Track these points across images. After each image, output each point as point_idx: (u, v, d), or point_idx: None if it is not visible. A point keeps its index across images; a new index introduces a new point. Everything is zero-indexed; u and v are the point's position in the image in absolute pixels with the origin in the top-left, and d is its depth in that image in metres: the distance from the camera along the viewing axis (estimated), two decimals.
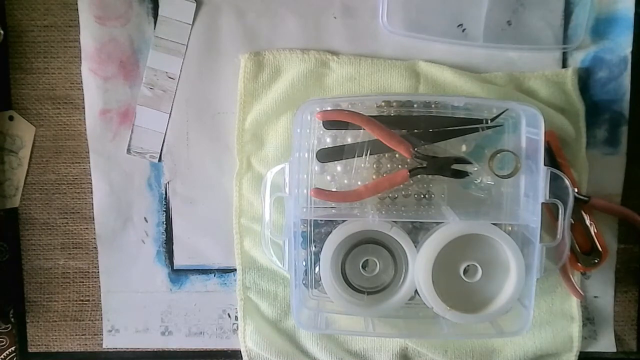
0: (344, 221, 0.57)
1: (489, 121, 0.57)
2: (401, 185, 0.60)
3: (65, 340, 0.66)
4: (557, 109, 0.61)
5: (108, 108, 0.63)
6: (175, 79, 0.62)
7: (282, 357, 0.63)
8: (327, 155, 0.58)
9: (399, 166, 0.59)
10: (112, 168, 0.63)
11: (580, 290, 0.61)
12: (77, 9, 0.61)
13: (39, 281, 0.65)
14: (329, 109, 0.57)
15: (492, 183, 0.59)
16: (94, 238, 0.64)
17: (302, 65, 0.61)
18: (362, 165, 0.60)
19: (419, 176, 0.59)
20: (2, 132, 0.63)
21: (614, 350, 0.65)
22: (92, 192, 0.64)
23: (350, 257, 0.58)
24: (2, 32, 0.61)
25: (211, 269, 0.65)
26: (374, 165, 0.59)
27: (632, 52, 0.61)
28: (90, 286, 0.65)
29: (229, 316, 0.65)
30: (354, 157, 0.58)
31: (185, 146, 0.63)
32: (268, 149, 0.62)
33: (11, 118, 0.63)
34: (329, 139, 0.59)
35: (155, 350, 0.66)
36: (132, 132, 0.63)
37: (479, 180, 0.59)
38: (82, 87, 0.62)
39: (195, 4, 0.61)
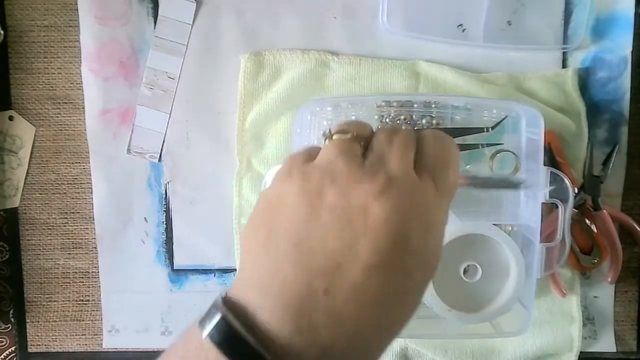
0: None
1: (490, 129, 0.57)
2: None
3: (65, 340, 0.66)
4: (557, 109, 0.61)
5: (108, 108, 0.63)
6: (175, 79, 0.62)
7: None
8: None
9: None
10: (112, 168, 0.63)
11: (562, 289, 0.61)
12: (77, 9, 0.61)
13: (39, 281, 0.65)
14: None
15: None
16: (94, 238, 0.64)
17: (302, 66, 0.61)
18: None
19: None
20: (2, 132, 0.63)
21: (614, 350, 0.65)
22: (92, 192, 0.64)
23: None
24: (2, 32, 0.61)
25: (211, 269, 0.65)
26: None
27: (632, 52, 0.61)
28: (90, 286, 0.65)
29: None
30: None
31: (185, 146, 0.63)
32: (268, 149, 0.62)
33: (11, 118, 0.63)
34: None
35: (155, 350, 0.66)
36: (132, 132, 0.63)
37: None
38: (82, 87, 0.62)
39: (195, 4, 0.61)
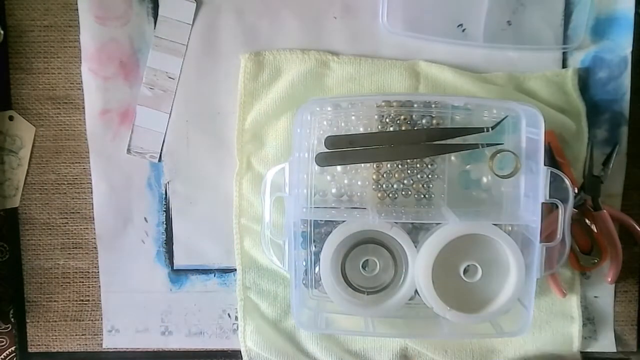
0: (344, 221, 0.57)
1: (490, 129, 0.57)
2: (401, 185, 0.60)
3: (65, 340, 0.66)
4: (557, 109, 0.61)
5: (108, 108, 0.63)
6: (175, 79, 0.62)
7: (282, 357, 0.63)
8: (327, 159, 0.58)
9: (399, 166, 0.59)
10: (112, 168, 0.63)
11: (562, 289, 0.61)
12: (77, 9, 0.61)
13: (39, 281, 0.65)
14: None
15: (492, 183, 0.60)
16: (94, 238, 0.64)
17: (302, 66, 0.61)
18: (362, 165, 0.60)
19: (418, 176, 0.59)
20: (2, 132, 0.63)
21: (614, 350, 0.65)
22: (92, 192, 0.64)
23: (350, 257, 0.58)
24: (2, 32, 0.61)
25: (211, 269, 0.65)
26: (374, 165, 0.60)
27: (632, 52, 0.61)
28: (90, 286, 0.65)
29: (229, 316, 0.65)
30: (354, 162, 0.59)
31: (185, 146, 0.63)
32: (268, 149, 0.62)
33: (11, 118, 0.63)
34: None
35: (155, 350, 0.66)
36: (132, 132, 0.63)
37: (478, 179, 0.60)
38: (82, 87, 0.62)
39: (195, 4, 0.61)
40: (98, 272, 0.65)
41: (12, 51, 0.62)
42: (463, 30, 0.61)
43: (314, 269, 0.59)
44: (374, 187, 0.60)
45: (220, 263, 0.64)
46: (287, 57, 0.61)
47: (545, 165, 0.54)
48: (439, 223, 0.56)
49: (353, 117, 0.60)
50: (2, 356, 0.66)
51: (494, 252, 0.56)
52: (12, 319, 0.66)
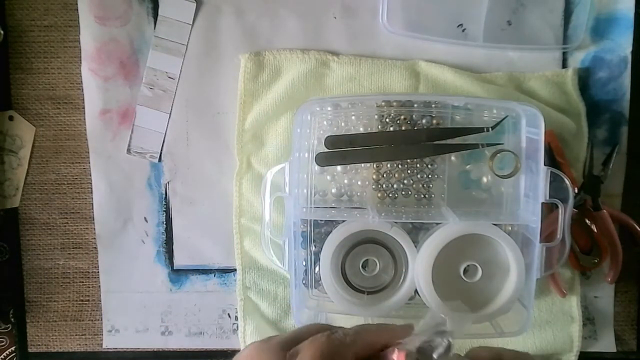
0: (344, 221, 0.57)
1: (490, 129, 0.57)
2: (401, 185, 0.60)
3: (65, 340, 0.66)
4: (557, 109, 0.61)
5: (108, 108, 0.63)
6: (175, 79, 0.62)
7: None
8: (327, 159, 0.58)
9: (399, 166, 0.59)
10: (112, 168, 0.63)
11: (562, 289, 0.61)
12: (77, 9, 0.61)
13: (39, 281, 0.65)
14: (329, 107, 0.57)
15: (492, 183, 0.60)
16: (94, 238, 0.64)
17: (302, 66, 0.61)
18: (362, 165, 0.60)
19: (418, 176, 0.59)
20: (2, 132, 0.63)
21: (614, 350, 0.65)
22: (92, 192, 0.64)
23: (350, 257, 0.58)
24: (2, 32, 0.61)
25: (211, 269, 0.65)
26: (374, 165, 0.60)
27: (632, 52, 0.61)
28: (90, 286, 0.65)
29: (229, 316, 0.65)
30: (354, 162, 0.59)
31: (185, 146, 0.63)
32: (268, 149, 0.62)
33: (11, 118, 0.63)
34: None
35: (155, 350, 0.66)
36: (132, 132, 0.63)
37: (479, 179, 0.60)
38: (82, 87, 0.62)
39: (195, 4, 0.61)
40: (98, 272, 0.65)
41: (12, 51, 0.62)
42: (463, 30, 0.61)
43: (314, 269, 0.59)
44: (374, 187, 0.60)
45: (220, 263, 0.65)
46: (287, 57, 0.61)
47: (545, 165, 0.54)
48: (439, 223, 0.56)
49: (353, 117, 0.60)
50: (2, 356, 0.66)
51: (494, 252, 0.56)
52: (12, 319, 0.66)
